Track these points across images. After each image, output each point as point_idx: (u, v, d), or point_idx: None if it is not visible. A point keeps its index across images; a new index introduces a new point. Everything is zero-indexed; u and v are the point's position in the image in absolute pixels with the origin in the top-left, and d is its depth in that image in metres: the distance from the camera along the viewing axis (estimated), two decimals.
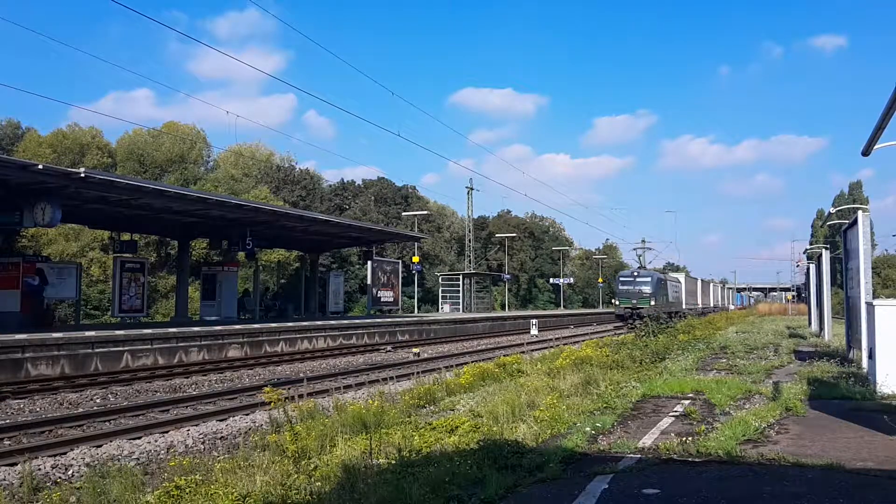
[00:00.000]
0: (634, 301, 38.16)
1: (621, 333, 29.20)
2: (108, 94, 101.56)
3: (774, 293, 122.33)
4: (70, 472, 7.26)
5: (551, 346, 22.04)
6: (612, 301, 42.70)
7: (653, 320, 33.95)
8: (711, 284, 78.72)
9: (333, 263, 49.03)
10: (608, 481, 5.34)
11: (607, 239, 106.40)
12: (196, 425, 9.56)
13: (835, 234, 60.30)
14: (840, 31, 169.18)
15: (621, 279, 41.25)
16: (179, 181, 44.40)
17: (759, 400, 9.46)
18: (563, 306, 78.63)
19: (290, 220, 26.41)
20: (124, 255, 26.32)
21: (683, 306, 49.41)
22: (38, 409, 11.47)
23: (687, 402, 9.37)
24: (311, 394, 11.58)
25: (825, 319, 22.66)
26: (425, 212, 60.34)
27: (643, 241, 66.36)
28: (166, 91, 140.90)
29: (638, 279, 39.63)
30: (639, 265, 47.81)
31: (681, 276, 53.48)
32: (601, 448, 6.74)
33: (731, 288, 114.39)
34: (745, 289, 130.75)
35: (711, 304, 71.32)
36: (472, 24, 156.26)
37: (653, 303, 37.88)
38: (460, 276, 53.17)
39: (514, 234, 71.33)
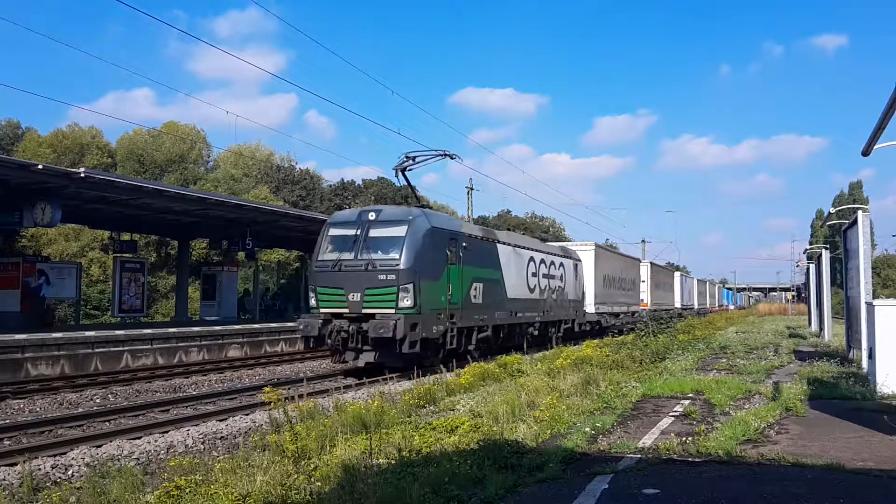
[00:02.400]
0: (356, 296, 14.49)
1: None
2: (108, 94, 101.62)
3: (774, 293, 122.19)
4: (70, 472, 7.25)
5: (551, 346, 22.04)
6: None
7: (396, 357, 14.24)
8: (679, 276, 54.17)
9: None
10: (608, 481, 5.34)
11: (607, 239, 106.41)
12: (196, 425, 9.55)
13: (835, 234, 60.28)
14: (841, 30, 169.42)
15: (331, 234, 15.63)
16: (179, 181, 44.39)
17: (759, 400, 9.46)
18: None
19: (290, 220, 26.38)
20: (124, 255, 26.32)
21: (591, 308, 26.72)
22: (38, 409, 11.46)
23: (687, 402, 9.37)
24: (311, 394, 11.58)
25: (825, 319, 22.67)
26: None
27: (643, 241, 60.61)
28: (166, 91, 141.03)
29: (372, 233, 15.04)
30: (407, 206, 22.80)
31: (587, 251, 27.54)
32: (601, 448, 6.74)
33: (729, 287, 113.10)
34: (744, 289, 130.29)
35: (679, 305, 49.11)
36: (472, 24, 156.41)
37: (412, 302, 14.29)
38: None
39: None
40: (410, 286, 14.28)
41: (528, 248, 21.33)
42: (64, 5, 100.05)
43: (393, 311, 14.12)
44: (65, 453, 7.79)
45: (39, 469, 7.09)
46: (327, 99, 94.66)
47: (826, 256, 23.43)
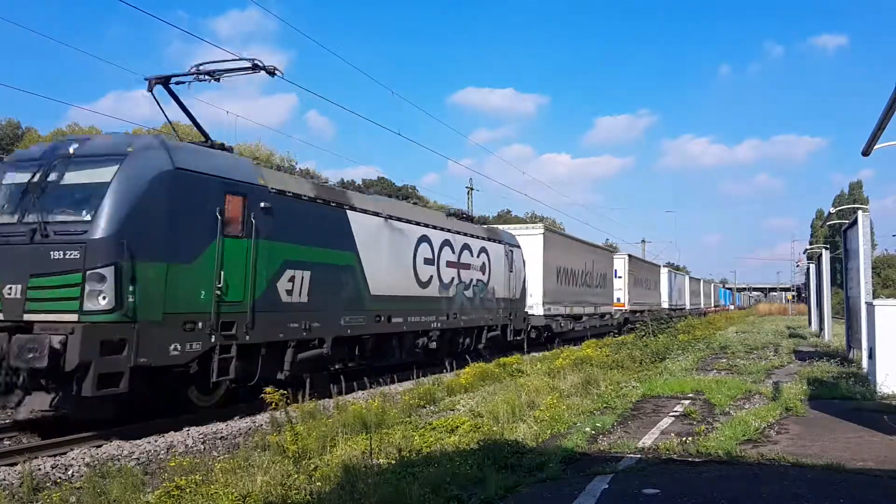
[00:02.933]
0: (15, 289, 8.07)
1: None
2: (108, 93, 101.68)
3: (774, 293, 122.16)
4: (70, 472, 7.24)
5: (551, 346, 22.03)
6: None
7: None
8: (667, 272, 46.32)
9: None
10: (608, 481, 5.34)
11: (607, 239, 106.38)
12: (196, 425, 9.55)
13: (835, 234, 60.27)
14: (841, 30, 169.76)
15: (4, 181, 8.97)
16: None
17: (759, 400, 9.47)
18: None
19: None
20: None
21: (537, 309, 21.31)
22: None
23: (687, 402, 9.38)
24: (312, 394, 11.55)
25: (825, 319, 22.68)
26: None
27: (643, 241, 59.79)
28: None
29: (64, 179, 8.59)
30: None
31: (532, 235, 22.09)
32: (601, 448, 6.74)
33: (729, 287, 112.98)
34: (745, 288, 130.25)
35: (667, 305, 43.48)
36: (473, 24, 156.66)
37: (112, 300, 7.86)
38: None
39: None
40: (111, 271, 7.99)
41: (418, 224, 14.81)
42: (64, 5, 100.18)
43: (76, 316, 7.93)
44: (65, 453, 7.79)
45: (39, 469, 7.08)
46: (327, 99, 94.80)
47: (826, 256, 23.44)
